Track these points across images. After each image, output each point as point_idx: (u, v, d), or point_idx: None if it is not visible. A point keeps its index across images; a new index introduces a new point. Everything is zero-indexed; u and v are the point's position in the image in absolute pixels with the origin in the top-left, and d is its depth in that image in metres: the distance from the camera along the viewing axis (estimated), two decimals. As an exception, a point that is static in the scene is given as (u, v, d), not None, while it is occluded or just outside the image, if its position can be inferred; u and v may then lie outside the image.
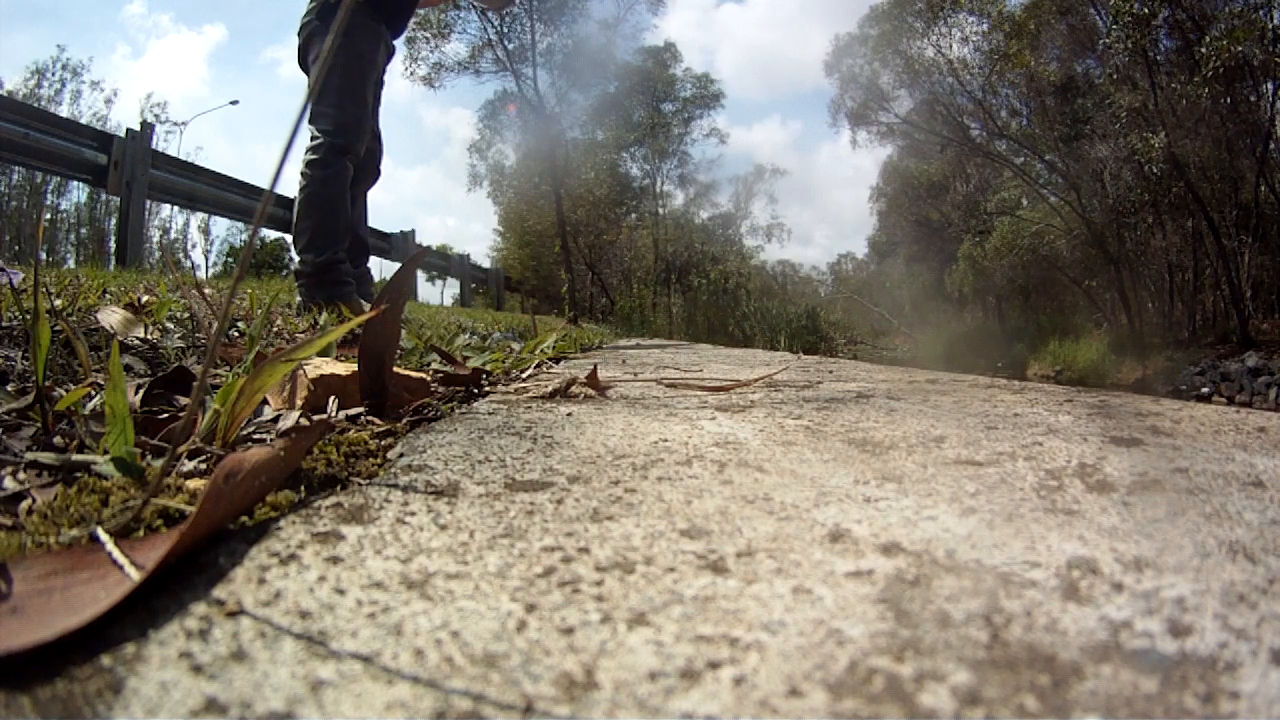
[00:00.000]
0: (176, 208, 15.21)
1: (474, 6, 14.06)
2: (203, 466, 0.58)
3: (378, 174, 2.63)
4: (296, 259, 2.39)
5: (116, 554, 0.38)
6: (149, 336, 1.22)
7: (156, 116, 18.48)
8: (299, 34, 2.42)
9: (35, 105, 11.89)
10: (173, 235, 19.55)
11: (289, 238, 2.51)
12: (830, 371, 1.61)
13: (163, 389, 0.82)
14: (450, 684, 0.29)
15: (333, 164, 2.32)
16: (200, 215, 18.58)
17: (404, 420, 0.82)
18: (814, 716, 0.27)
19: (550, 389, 1.06)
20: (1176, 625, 0.33)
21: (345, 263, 2.40)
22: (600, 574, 0.39)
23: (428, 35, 15.61)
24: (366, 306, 2.28)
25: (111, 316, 1.24)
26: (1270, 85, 11.73)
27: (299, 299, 2.39)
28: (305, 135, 2.38)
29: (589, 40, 17.09)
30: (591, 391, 1.08)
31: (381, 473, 0.59)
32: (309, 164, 2.33)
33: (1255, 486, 0.56)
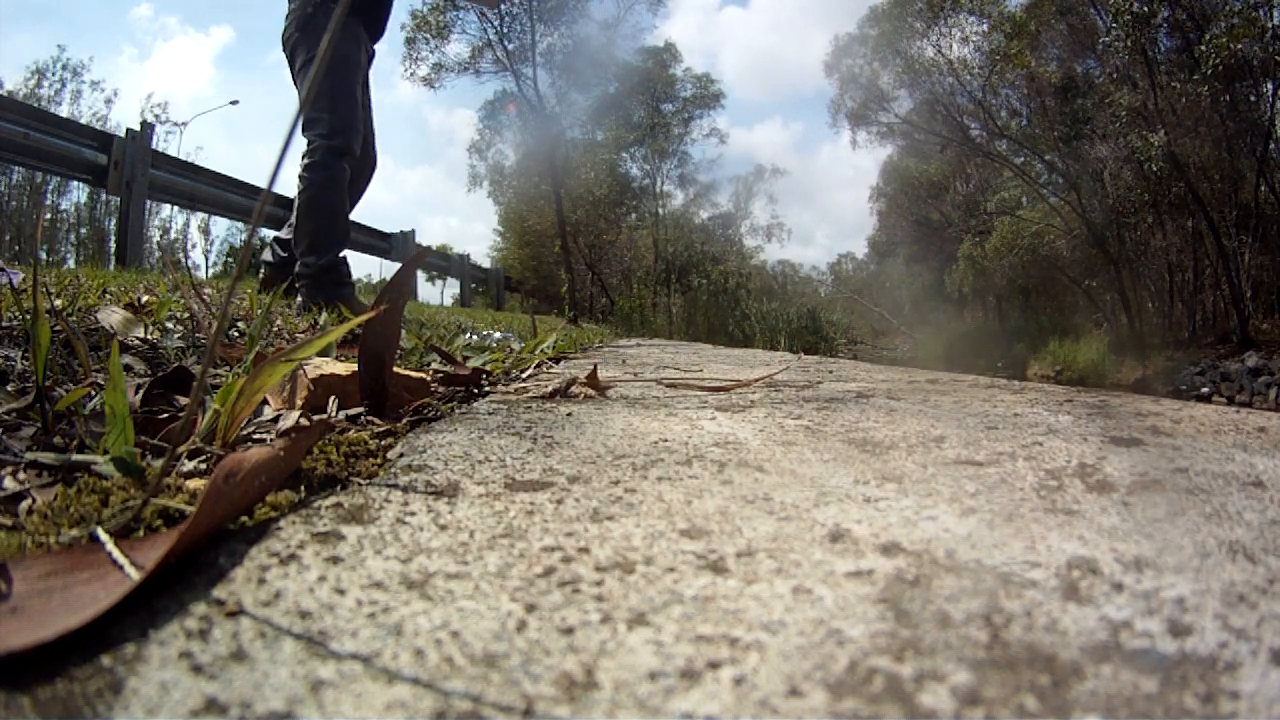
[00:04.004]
0: (176, 208, 15.21)
1: (467, 4, 14.08)
2: (203, 466, 0.58)
3: (369, 178, 2.66)
4: (297, 262, 2.41)
5: (116, 554, 0.38)
6: (149, 336, 1.22)
7: (157, 117, 18.48)
8: (284, 48, 2.45)
9: (35, 105, 11.89)
10: (173, 235, 19.55)
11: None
12: (830, 371, 1.61)
13: (163, 389, 0.82)
14: (450, 684, 0.29)
15: (331, 166, 2.34)
16: (200, 215, 18.59)
17: (404, 420, 0.82)
18: (814, 716, 0.27)
19: (550, 389, 1.06)
20: (1176, 625, 0.33)
21: (346, 264, 2.43)
22: (600, 574, 0.39)
23: (427, 35, 15.61)
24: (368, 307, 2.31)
25: (111, 316, 1.24)
26: (1270, 85, 11.73)
27: (299, 300, 2.40)
28: (301, 140, 2.41)
29: (589, 40, 17.11)
30: (591, 391, 1.08)
31: (381, 473, 0.59)
32: (307, 167, 2.34)
33: (1255, 486, 0.56)
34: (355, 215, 2.76)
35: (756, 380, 1.28)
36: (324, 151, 2.33)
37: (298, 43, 2.39)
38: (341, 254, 2.41)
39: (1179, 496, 0.53)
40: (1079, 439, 0.74)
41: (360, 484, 0.55)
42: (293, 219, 2.42)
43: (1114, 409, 0.93)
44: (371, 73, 2.54)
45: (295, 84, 2.48)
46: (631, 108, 19.56)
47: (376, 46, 2.63)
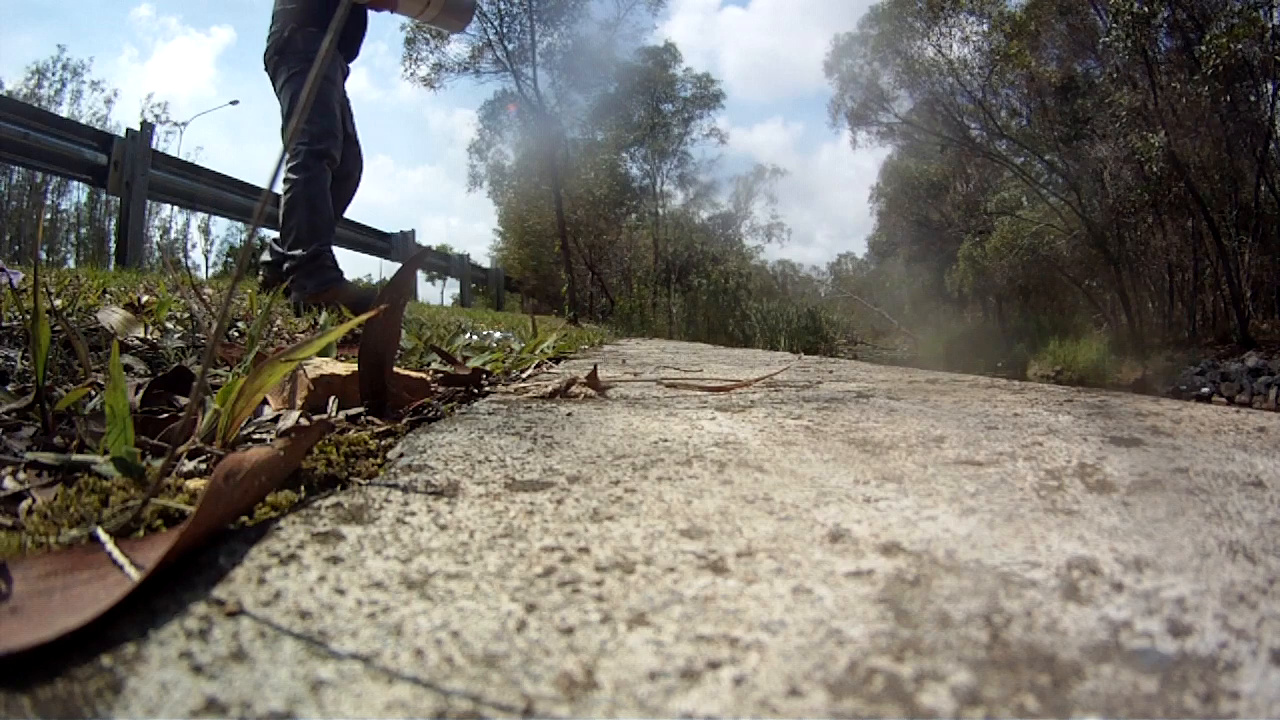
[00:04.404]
0: (176, 208, 15.22)
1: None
2: (203, 466, 0.58)
3: (356, 184, 2.87)
4: (285, 260, 2.50)
5: (116, 554, 0.38)
6: (149, 336, 1.22)
7: (157, 117, 18.50)
8: (265, 68, 2.68)
9: (35, 105, 11.89)
10: (173, 235, 19.58)
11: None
12: (830, 371, 1.61)
13: (163, 389, 0.82)
14: (450, 684, 0.29)
15: (313, 167, 2.56)
16: (200, 215, 18.61)
17: (404, 420, 0.82)
18: (814, 716, 0.27)
19: (550, 389, 1.06)
20: (1176, 625, 0.33)
21: (332, 254, 2.59)
22: (600, 574, 0.39)
23: (427, 35, 15.61)
24: (362, 292, 2.46)
25: (111, 316, 1.24)
26: (1270, 85, 11.73)
27: (292, 295, 2.47)
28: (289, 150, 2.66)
29: (589, 40, 17.13)
30: (591, 391, 1.08)
31: (381, 473, 0.59)
32: (291, 169, 2.56)
33: (1255, 486, 0.56)
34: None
35: (756, 380, 1.28)
36: (306, 155, 2.54)
37: (278, 64, 2.62)
38: (327, 245, 2.57)
39: (1179, 496, 0.53)
40: (1079, 439, 0.74)
41: (360, 484, 0.55)
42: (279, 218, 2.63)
43: (1114, 409, 0.93)
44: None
45: (278, 98, 2.69)
46: (631, 108, 19.55)
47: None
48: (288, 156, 2.56)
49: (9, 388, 0.75)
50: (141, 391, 0.78)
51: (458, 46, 16.18)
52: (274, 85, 2.65)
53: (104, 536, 0.41)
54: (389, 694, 0.28)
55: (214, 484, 0.41)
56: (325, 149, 2.56)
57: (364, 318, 0.72)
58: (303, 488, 0.53)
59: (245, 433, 0.71)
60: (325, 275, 2.50)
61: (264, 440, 0.69)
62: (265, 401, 0.81)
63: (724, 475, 0.60)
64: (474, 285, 14.61)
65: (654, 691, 0.28)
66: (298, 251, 2.50)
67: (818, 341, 14.31)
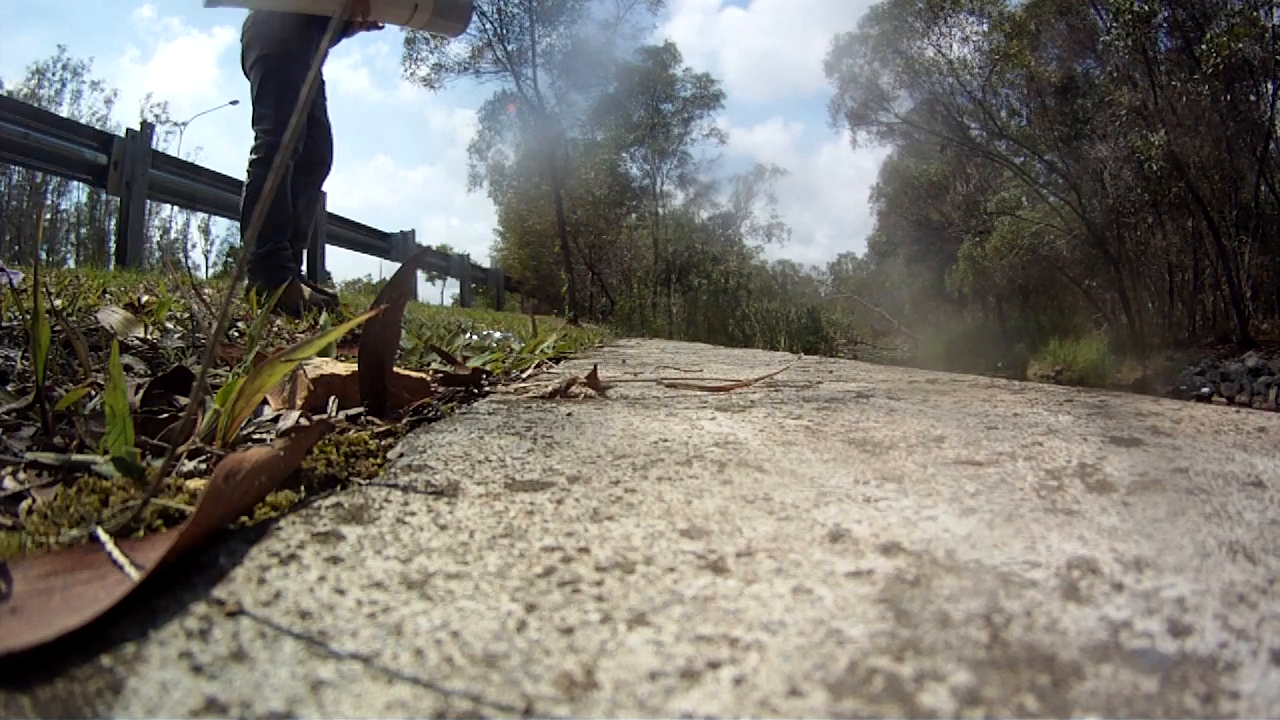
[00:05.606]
0: (176, 208, 15.24)
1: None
2: (203, 466, 0.58)
3: (327, 169, 2.88)
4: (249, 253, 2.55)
5: (116, 554, 0.38)
6: (149, 336, 1.22)
7: (157, 117, 18.49)
8: (241, 37, 2.66)
9: (35, 105, 11.90)
10: (173, 235, 19.57)
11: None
12: (830, 371, 1.61)
13: (163, 389, 0.82)
14: (450, 684, 0.29)
15: (275, 160, 2.56)
16: (200, 215, 18.60)
17: (404, 420, 0.82)
18: (814, 716, 0.27)
19: (550, 389, 1.06)
20: (1176, 625, 0.33)
21: (287, 250, 2.64)
22: (600, 574, 0.39)
23: (427, 36, 15.62)
24: (306, 291, 2.51)
25: (111, 316, 1.24)
26: (1270, 84, 11.73)
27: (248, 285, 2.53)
28: (250, 138, 2.68)
29: (589, 40, 17.16)
30: (591, 391, 1.08)
31: (381, 473, 0.59)
32: (253, 163, 2.57)
33: (1255, 486, 0.56)
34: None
35: (756, 380, 1.28)
36: (268, 148, 2.54)
37: (252, 37, 2.61)
38: (284, 242, 2.60)
39: (1179, 496, 0.53)
40: (1079, 439, 0.74)
41: (360, 484, 0.55)
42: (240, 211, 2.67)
43: (1114, 409, 0.93)
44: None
45: (245, 74, 2.67)
46: (631, 108, 19.56)
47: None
48: (251, 147, 2.61)
49: (9, 388, 0.75)
50: (141, 391, 0.78)
51: (458, 47, 16.20)
52: (245, 57, 2.65)
53: (104, 536, 0.41)
54: (389, 694, 0.28)
55: (214, 484, 0.41)
56: (286, 140, 2.60)
57: (364, 317, 0.72)
58: (303, 488, 0.53)
59: (245, 433, 0.71)
60: (277, 275, 2.54)
61: (264, 440, 0.69)
62: (265, 401, 0.81)
63: (724, 475, 0.60)
64: (474, 285, 14.63)
65: (654, 691, 0.28)
66: (253, 248, 2.55)
67: (818, 341, 14.31)
